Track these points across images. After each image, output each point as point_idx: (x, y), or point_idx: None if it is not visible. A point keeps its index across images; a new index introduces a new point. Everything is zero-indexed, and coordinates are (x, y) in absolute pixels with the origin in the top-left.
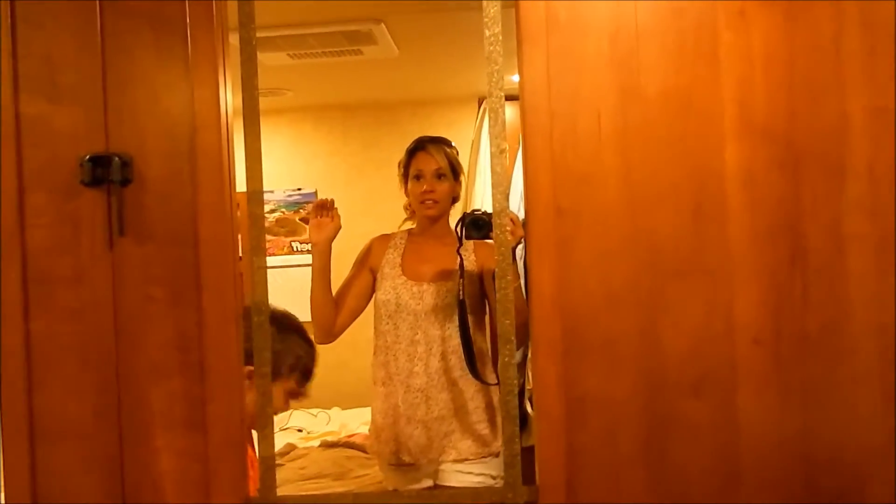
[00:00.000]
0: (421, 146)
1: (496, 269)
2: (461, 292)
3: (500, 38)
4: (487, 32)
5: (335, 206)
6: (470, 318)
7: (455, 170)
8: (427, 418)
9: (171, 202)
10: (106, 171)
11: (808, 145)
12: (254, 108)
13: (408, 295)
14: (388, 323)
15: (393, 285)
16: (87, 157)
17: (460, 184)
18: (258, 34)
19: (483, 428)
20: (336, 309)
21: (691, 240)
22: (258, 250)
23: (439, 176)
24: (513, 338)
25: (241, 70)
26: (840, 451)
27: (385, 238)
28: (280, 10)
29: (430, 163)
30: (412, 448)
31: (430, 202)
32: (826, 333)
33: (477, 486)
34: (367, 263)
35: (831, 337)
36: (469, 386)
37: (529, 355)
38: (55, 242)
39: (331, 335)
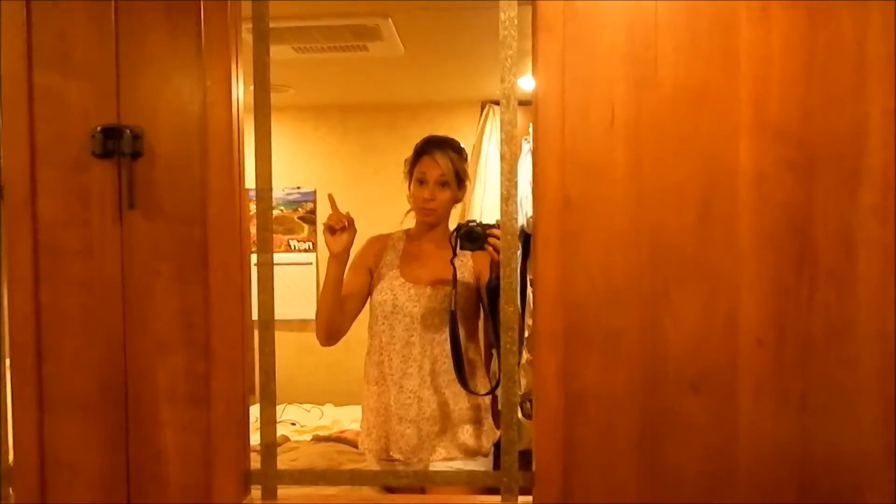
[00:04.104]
0: (427, 150)
1: (500, 256)
2: (453, 303)
3: (516, 21)
4: (503, 16)
5: (348, 215)
6: (463, 328)
7: (459, 176)
8: (418, 418)
9: (181, 179)
10: (117, 144)
11: (823, 147)
12: (265, 89)
13: (405, 297)
14: (383, 323)
15: (391, 287)
16: (99, 128)
17: (464, 189)
18: None
19: (472, 429)
20: (343, 313)
21: (697, 237)
22: (265, 246)
23: (442, 184)
24: (515, 325)
25: (253, 49)
26: (837, 456)
27: (381, 238)
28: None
29: (434, 169)
30: (403, 446)
31: (429, 210)
32: (831, 339)
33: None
34: (364, 264)
35: (836, 342)
36: (460, 388)
37: (522, 361)
38: (65, 215)
39: (335, 338)
